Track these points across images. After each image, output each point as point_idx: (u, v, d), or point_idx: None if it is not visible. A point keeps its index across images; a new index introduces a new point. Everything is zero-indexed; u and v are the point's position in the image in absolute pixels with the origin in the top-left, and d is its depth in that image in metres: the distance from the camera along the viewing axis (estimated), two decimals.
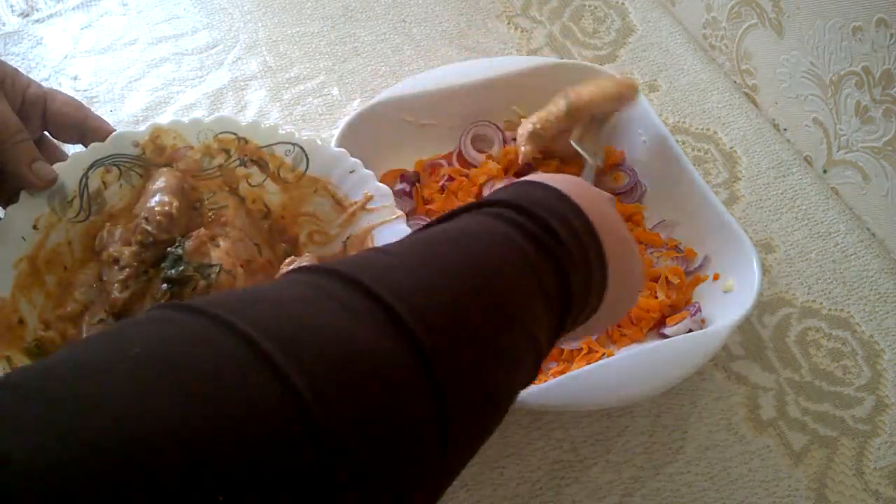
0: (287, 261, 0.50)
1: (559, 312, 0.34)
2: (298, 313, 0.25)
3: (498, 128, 0.64)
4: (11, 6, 0.73)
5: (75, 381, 0.20)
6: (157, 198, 0.50)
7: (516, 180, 0.39)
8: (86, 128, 0.52)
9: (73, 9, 0.73)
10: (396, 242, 0.32)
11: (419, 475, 0.26)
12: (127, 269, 0.47)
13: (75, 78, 0.68)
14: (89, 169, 0.51)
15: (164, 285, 0.47)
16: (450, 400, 0.26)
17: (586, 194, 0.37)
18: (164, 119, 0.55)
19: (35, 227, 0.48)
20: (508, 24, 0.77)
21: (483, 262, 0.31)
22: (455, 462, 0.28)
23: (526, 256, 0.32)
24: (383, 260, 0.29)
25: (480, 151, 0.64)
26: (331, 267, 0.28)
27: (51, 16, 0.72)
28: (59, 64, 0.69)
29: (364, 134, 0.58)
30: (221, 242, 0.49)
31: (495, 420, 0.31)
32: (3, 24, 0.71)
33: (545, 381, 0.50)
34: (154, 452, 0.19)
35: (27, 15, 0.72)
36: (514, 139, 0.62)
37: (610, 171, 0.64)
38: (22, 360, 0.45)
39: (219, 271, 0.48)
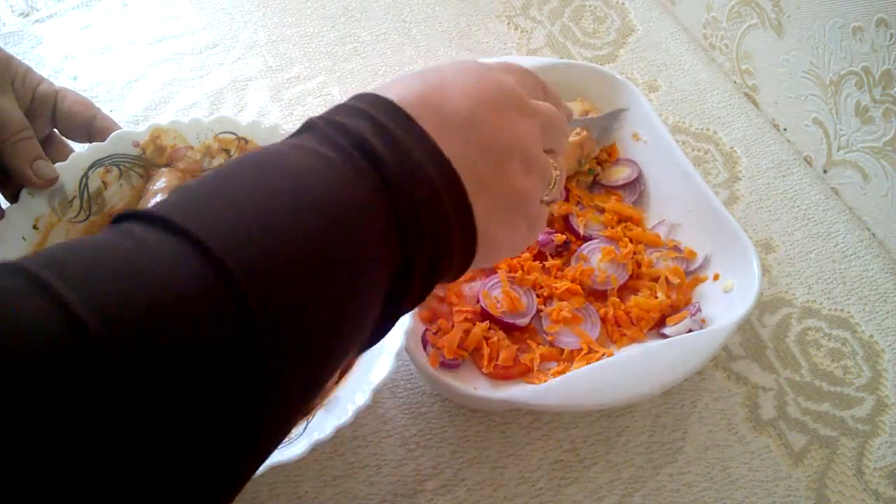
0: None
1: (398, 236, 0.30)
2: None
3: None
4: (11, 6, 0.73)
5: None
6: (157, 198, 0.50)
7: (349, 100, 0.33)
8: (94, 127, 0.52)
9: (73, 9, 0.73)
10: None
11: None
12: None
13: (75, 78, 0.68)
14: (89, 169, 0.51)
15: None
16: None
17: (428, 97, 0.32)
18: (164, 119, 0.55)
19: (35, 227, 0.48)
20: (508, 24, 0.77)
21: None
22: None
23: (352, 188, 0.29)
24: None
25: None
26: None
27: (51, 16, 0.72)
28: (59, 64, 0.69)
29: None
30: None
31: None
32: (3, 24, 0.71)
33: (545, 381, 0.50)
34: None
35: (27, 15, 0.72)
36: None
37: (613, 165, 0.63)
38: None
39: None
